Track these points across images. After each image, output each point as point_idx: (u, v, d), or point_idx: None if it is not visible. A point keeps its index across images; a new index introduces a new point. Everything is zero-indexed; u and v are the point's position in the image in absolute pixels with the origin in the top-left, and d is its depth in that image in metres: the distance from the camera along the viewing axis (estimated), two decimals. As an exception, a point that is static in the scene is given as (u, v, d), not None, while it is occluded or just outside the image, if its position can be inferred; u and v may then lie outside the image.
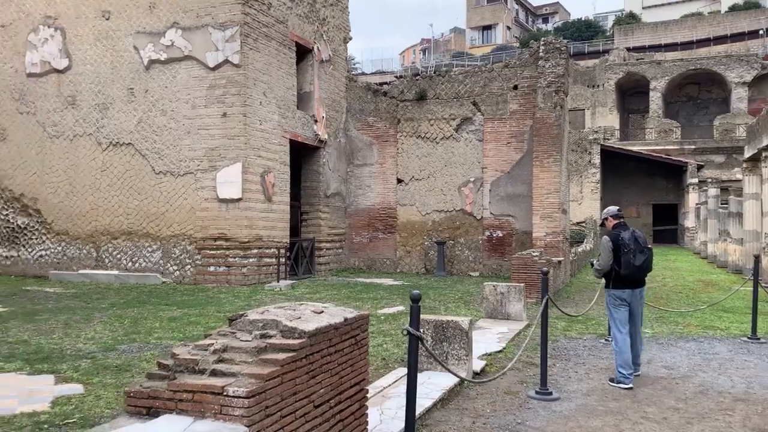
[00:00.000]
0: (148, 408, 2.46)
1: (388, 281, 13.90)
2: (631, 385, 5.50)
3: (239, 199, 12.15)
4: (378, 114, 16.40)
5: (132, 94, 12.96)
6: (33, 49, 13.76)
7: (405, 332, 3.24)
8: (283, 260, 12.77)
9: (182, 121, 12.56)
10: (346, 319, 3.14)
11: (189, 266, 12.49)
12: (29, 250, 13.85)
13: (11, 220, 13.99)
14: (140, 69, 12.90)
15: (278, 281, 12.08)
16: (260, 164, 12.58)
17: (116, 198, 13.07)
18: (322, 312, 3.12)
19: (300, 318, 2.92)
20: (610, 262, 5.71)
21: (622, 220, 5.95)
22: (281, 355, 2.60)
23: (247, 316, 2.92)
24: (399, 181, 16.20)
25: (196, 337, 6.78)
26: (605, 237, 5.83)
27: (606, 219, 6.00)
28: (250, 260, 12.29)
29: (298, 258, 14.38)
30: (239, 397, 2.34)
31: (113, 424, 2.40)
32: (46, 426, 3.90)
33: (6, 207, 14.04)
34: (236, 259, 12.18)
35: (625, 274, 5.65)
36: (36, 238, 13.78)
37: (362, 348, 3.31)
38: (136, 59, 12.93)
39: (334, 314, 3.15)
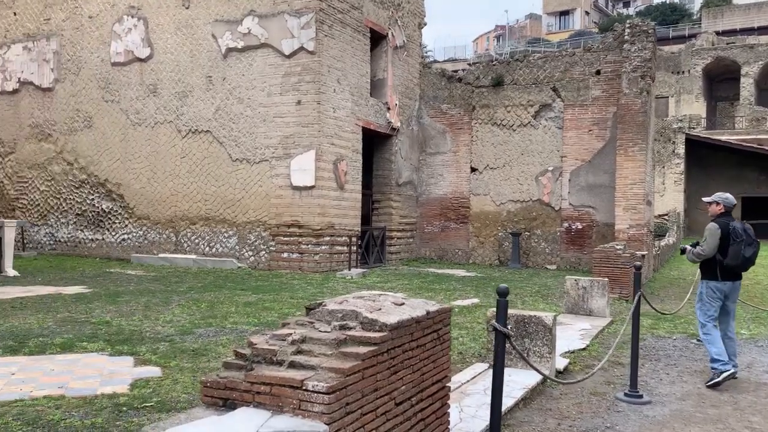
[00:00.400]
0: (224, 399, 2.34)
1: (461, 272, 13.63)
2: (733, 370, 5.13)
3: (312, 187, 12.16)
4: (452, 101, 16.07)
5: (210, 82, 13.18)
6: (117, 39, 14.22)
7: (491, 328, 3.01)
8: (355, 248, 12.72)
9: (258, 109, 12.67)
10: (428, 313, 2.94)
11: (263, 252, 12.63)
12: (113, 233, 14.40)
13: (96, 205, 14.57)
14: (218, 57, 13.09)
15: (350, 269, 12.04)
16: (333, 152, 12.54)
17: (194, 184, 13.36)
18: (403, 304, 2.94)
19: (380, 310, 2.74)
20: (715, 250, 5.32)
21: (730, 210, 5.53)
22: (362, 349, 2.43)
23: (325, 305, 2.77)
24: (473, 169, 15.84)
25: (271, 324, 6.77)
26: (713, 224, 5.42)
27: (715, 204, 5.54)
28: (322, 248, 12.30)
29: (369, 246, 14.31)
30: (319, 392, 2.18)
31: (189, 415, 2.31)
32: (124, 409, 3.91)
33: (92, 192, 14.63)
34: (309, 246, 12.22)
35: (731, 264, 5.28)
36: (119, 222, 14.30)
37: (444, 343, 3.10)
38: (214, 47, 13.13)
39: (416, 307, 2.96)
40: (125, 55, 14.13)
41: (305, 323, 2.67)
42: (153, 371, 4.85)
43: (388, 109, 14.70)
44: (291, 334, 2.52)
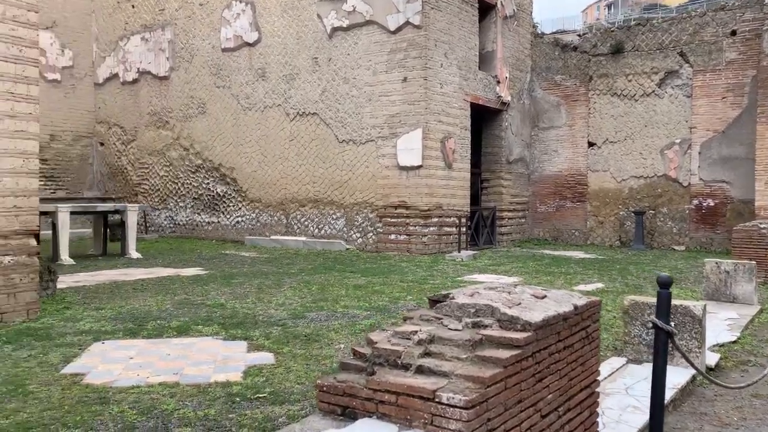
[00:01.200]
0: (343, 407, 2.03)
1: (579, 254, 12.81)
2: None
3: (419, 167, 11.80)
4: (567, 71, 15.09)
5: (316, 64, 13.10)
6: (227, 25, 14.47)
7: (651, 325, 2.50)
8: (464, 230, 12.25)
9: (363, 89, 12.44)
10: (576, 308, 2.48)
11: (371, 234, 12.47)
12: (227, 216, 14.79)
13: (212, 189, 15.01)
14: (323, 38, 12.97)
15: (459, 251, 11.60)
16: (440, 130, 12.09)
17: (303, 167, 13.40)
18: (545, 297, 2.49)
19: (520, 305, 2.32)
20: None
21: None
22: (503, 353, 2.03)
23: (454, 298, 2.38)
24: (590, 144, 14.83)
25: (382, 309, 6.51)
26: None
27: None
28: (431, 229, 11.94)
29: (479, 227, 13.79)
30: (456, 406, 1.81)
31: (304, 425, 2.01)
32: (237, 399, 3.75)
33: (207, 176, 15.08)
34: (416, 227, 11.90)
35: None
36: (233, 206, 14.66)
37: (593, 342, 2.64)
38: (319, 28, 13.02)
39: (560, 300, 2.51)
40: (234, 41, 14.35)
41: (431, 319, 2.30)
42: (266, 357, 4.70)
43: (498, 82, 14.02)
44: (417, 332, 2.16)
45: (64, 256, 10.62)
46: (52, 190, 16.29)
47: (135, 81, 16.27)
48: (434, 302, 2.51)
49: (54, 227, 10.63)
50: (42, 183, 16.04)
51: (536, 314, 2.24)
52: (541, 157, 15.45)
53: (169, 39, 15.53)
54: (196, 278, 8.90)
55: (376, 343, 2.16)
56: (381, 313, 6.30)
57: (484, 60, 13.94)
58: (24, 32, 5.79)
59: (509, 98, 14.40)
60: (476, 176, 14.77)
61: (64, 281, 8.57)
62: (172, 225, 15.82)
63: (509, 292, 2.49)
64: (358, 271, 9.66)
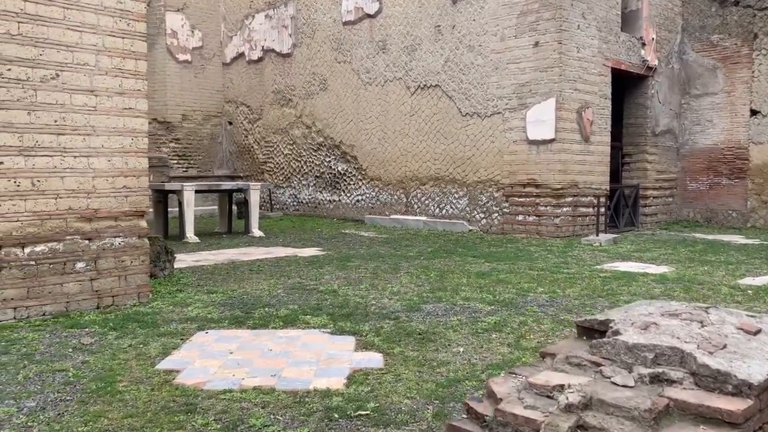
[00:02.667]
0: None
1: (738, 239, 11.16)
2: None
3: (552, 140, 10.72)
4: (725, 29, 13.16)
5: (439, 32, 12.31)
6: (348, -3, 14.04)
7: None
8: (602, 210, 11.03)
9: (490, 56, 11.49)
10: (814, 350, 1.61)
11: (496, 214, 11.60)
12: (348, 194, 14.52)
13: (333, 167, 14.79)
14: (447, 4, 12.13)
15: (597, 234, 10.44)
16: (576, 99, 10.91)
17: (424, 143, 12.74)
18: (760, 332, 1.65)
19: (725, 347, 1.51)
20: None
21: None
22: (710, 435, 1.25)
23: (619, 332, 1.61)
24: (753, 112, 12.87)
25: (509, 303, 5.73)
26: None
27: None
28: (564, 209, 10.86)
29: (619, 208, 12.45)
30: None
31: None
32: (336, 416, 3.19)
33: (328, 154, 14.87)
34: (547, 208, 10.87)
35: None
36: (354, 184, 14.35)
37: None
38: (442, -6, 12.20)
39: (786, 336, 1.65)
40: (355, 13, 13.89)
41: (585, 364, 1.55)
42: (374, 359, 4.14)
43: (643, 45, 12.47)
44: (564, 387, 1.42)
45: (190, 234, 10.77)
46: (184, 168, 16.90)
47: (260, 59, 16.37)
48: (586, 330, 1.75)
49: (180, 205, 10.80)
50: (175, 161, 16.68)
51: (755, 366, 1.42)
52: (692, 128, 13.68)
53: (292, 15, 15.40)
54: (312, 260, 8.59)
55: (501, 400, 1.45)
56: (507, 309, 5.54)
57: (628, 20, 12.44)
58: (131, 4, 5.56)
59: (656, 62, 12.79)
60: (617, 150, 13.35)
61: (184, 260, 8.59)
62: (295, 203, 15.84)
63: (701, 322, 1.68)
64: (481, 255, 8.90)
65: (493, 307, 5.63)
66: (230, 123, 17.50)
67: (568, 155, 10.81)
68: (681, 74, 13.70)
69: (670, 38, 13.34)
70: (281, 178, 16.16)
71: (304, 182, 15.56)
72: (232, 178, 17.29)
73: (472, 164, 11.91)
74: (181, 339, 4.64)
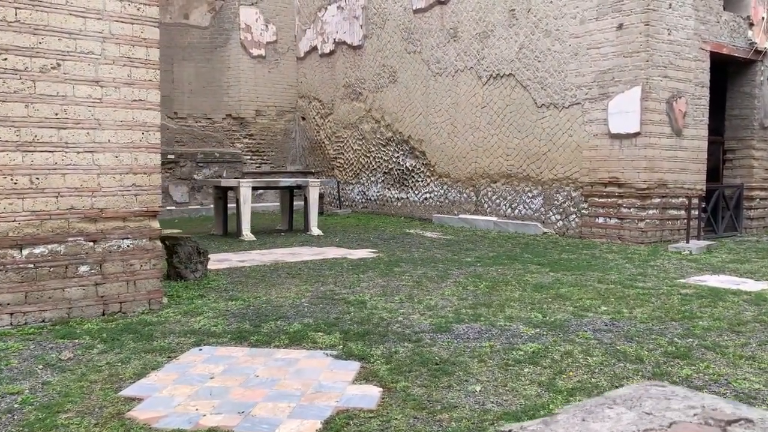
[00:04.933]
0: None
1: None
2: None
3: (636, 134, 9.52)
4: None
5: (513, 17, 11.33)
6: (418, -16, 13.30)
7: None
8: (696, 213, 9.69)
9: (568, 41, 10.40)
10: None
11: (574, 216, 10.51)
12: (416, 192, 13.82)
13: (401, 163, 14.14)
14: (522, -14, 11.14)
15: (687, 240, 9.16)
16: (666, 87, 9.63)
17: (495, 137, 11.81)
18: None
19: None
20: None
21: None
22: None
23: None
24: None
25: (558, 325, 4.85)
26: None
27: None
28: (650, 212, 9.63)
29: (718, 210, 10.99)
30: None
31: None
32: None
33: (397, 150, 14.23)
34: (631, 210, 9.68)
35: None
36: (421, 181, 13.63)
37: None
38: (517, -25, 11.21)
39: None
40: (426, 0, 13.12)
41: None
42: (369, 396, 3.45)
43: (751, 25, 10.91)
44: None
45: (246, 232, 10.48)
46: (257, 164, 16.81)
47: (332, 53, 15.96)
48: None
49: (237, 202, 10.52)
50: (248, 157, 16.61)
51: None
52: (811, 119, 11.88)
53: (363, 5, 14.84)
54: (359, 263, 7.98)
55: None
56: (554, 333, 4.67)
57: (732, -3, 10.94)
58: (141, -12, 5.14)
59: (766, 45, 11.17)
60: (717, 146, 11.84)
61: (230, 260, 8.24)
62: (364, 200, 15.33)
63: None
64: (548, 263, 7.94)
65: (538, 330, 4.77)
66: (303, 118, 17.24)
67: (655, 151, 9.57)
68: (798, 58, 11.92)
69: (785, 16, 11.61)
70: (350, 174, 15.70)
71: (372, 178, 15.01)
72: (304, 174, 17.04)
73: (548, 160, 10.86)
74: (169, 357, 4.15)
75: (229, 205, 11.53)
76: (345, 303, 5.69)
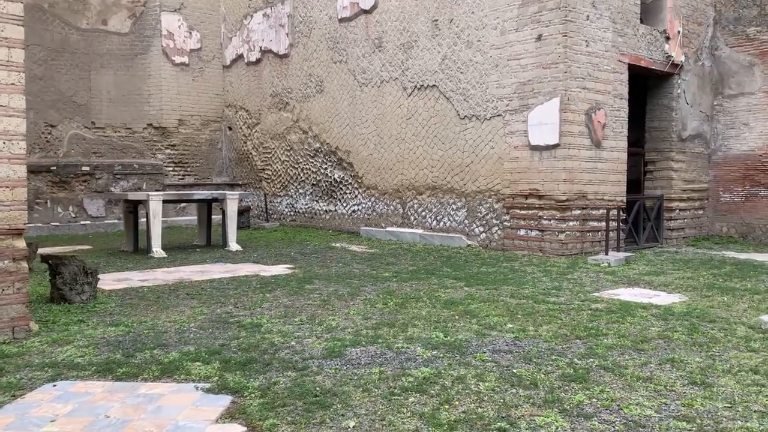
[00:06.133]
0: None
1: (776, 259, 9.68)
2: None
3: (556, 146, 9.47)
4: (764, 21, 11.65)
5: (436, 27, 11.19)
6: (343, -8, 13.05)
7: None
8: (616, 224, 9.69)
9: (489, 53, 10.31)
10: None
11: (496, 228, 10.38)
12: (344, 204, 13.48)
13: (329, 174, 13.79)
14: (444, -4, 11.01)
15: (606, 252, 9.13)
16: (585, 99, 9.63)
17: (421, 149, 11.61)
18: None
19: None
20: None
21: None
22: None
23: None
24: (796, 114, 11.34)
25: (457, 346, 4.57)
26: None
27: None
28: (570, 224, 9.58)
29: (639, 222, 11.07)
30: None
31: None
32: None
33: (325, 161, 13.88)
34: (551, 222, 9.60)
35: None
36: (350, 193, 13.31)
37: None
38: (440, -15, 11.08)
39: None
40: (351, 9, 12.88)
41: None
42: (229, 438, 3.07)
43: (667, 38, 11.09)
44: None
45: (156, 249, 9.90)
46: (180, 176, 16.14)
47: (258, 61, 15.51)
48: None
49: (147, 217, 9.93)
50: (171, 169, 15.93)
51: None
52: (726, 132, 12.18)
53: (288, 13, 14.49)
54: (269, 281, 7.57)
55: None
56: (451, 355, 4.39)
57: (649, 11, 11.09)
58: (1, -17, 4.64)
59: (682, 58, 11.38)
60: (639, 158, 11.99)
61: (130, 280, 7.69)
62: (292, 213, 14.89)
63: None
64: (465, 277, 7.72)
65: (435, 352, 4.48)
66: (230, 128, 16.70)
67: (574, 162, 9.54)
68: (713, 72, 12.23)
69: (699, 32, 11.90)
70: (278, 186, 15.24)
71: (301, 191, 14.60)
72: (231, 186, 16.48)
73: (471, 172, 10.72)
74: (13, 396, 3.65)
75: (141, 220, 10.91)
76: (238, 327, 5.28)
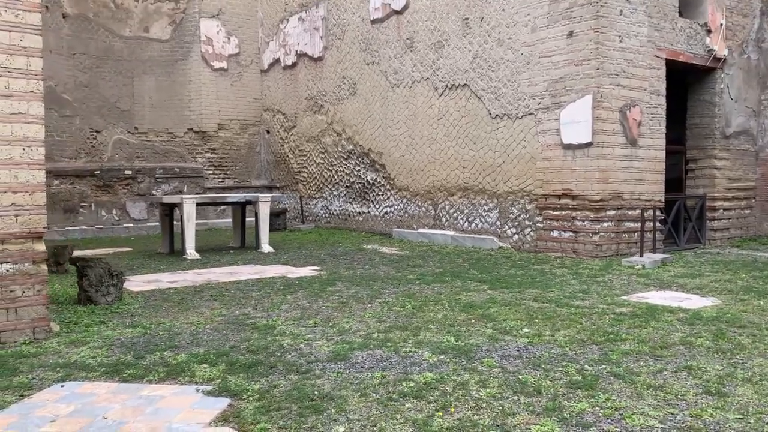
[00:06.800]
0: None
1: (826, 261, 9.18)
2: None
3: (589, 144, 9.21)
4: (814, 10, 11.08)
5: (467, 26, 11.05)
6: (375, -7, 13.04)
7: None
8: (652, 225, 9.35)
9: (520, 50, 10.12)
10: None
11: (529, 229, 10.17)
12: (377, 206, 13.47)
13: (362, 176, 13.79)
14: (475, -6, 10.87)
15: (641, 254, 8.82)
16: (619, 96, 9.34)
17: (452, 149, 11.49)
18: None
19: None
20: None
21: None
22: None
23: None
24: None
25: (466, 351, 4.48)
26: None
27: None
28: (604, 224, 9.31)
29: (679, 222, 10.67)
30: None
31: None
32: None
33: (358, 163, 13.89)
34: (585, 222, 9.35)
35: None
36: (382, 194, 13.29)
37: None
38: (470, -17, 10.94)
39: None
40: (383, 10, 12.86)
41: None
42: (218, 441, 3.08)
43: (709, 32, 10.66)
44: None
45: (190, 251, 10.09)
46: (220, 179, 16.44)
47: (294, 65, 15.66)
48: None
49: (181, 220, 10.13)
50: (211, 172, 16.24)
51: None
52: (774, 127, 11.63)
53: (323, 16, 14.57)
54: (293, 283, 7.60)
55: None
56: (457, 361, 4.30)
57: (688, 3, 10.69)
58: (20, -6, 4.79)
59: (725, 52, 10.92)
60: (680, 156, 11.56)
61: (160, 281, 7.86)
62: (327, 215, 14.96)
63: None
64: (491, 280, 7.58)
65: (442, 356, 4.40)
66: (268, 131, 16.91)
67: (609, 161, 9.26)
68: (759, 65, 11.69)
69: (745, 24, 11.39)
70: (314, 189, 15.35)
71: (335, 192, 14.66)
72: (269, 188, 16.68)
73: (503, 172, 10.54)
74: (21, 395, 3.76)
75: (177, 223, 11.14)
76: (252, 328, 5.31)
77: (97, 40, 14.97)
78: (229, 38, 16.29)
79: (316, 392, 3.73)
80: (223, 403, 3.62)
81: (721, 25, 10.84)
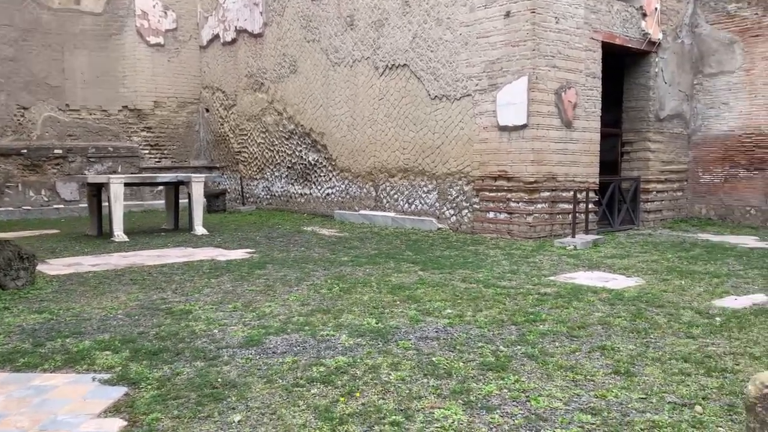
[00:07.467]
0: None
1: (749, 241, 9.47)
2: None
3: (524, 126, 9.22)
4: (744, -3, 11.33)
5: (406, 4, 10.88)
6: (315, -31, 12.72)
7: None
8: (585, 206, 9.46)
9: (459, 30, 10.03)
10: None
11: (466, 211, 10.17)
12: (318, 187, 13.26)
13: (304, 157, 13.55)
14: (415, -28, 10.70)
15: (573, 235, 8.91)
16: (555, 77, 9.36)
17: (392, 130, 11.36)
18: None
19: None
20: None
21: None
22: None
23: None
24: (776, 93, 11.06)
25: (384, 334, 4.38)
26: None
27: None
28: (539, 206, 9.36)
29: (614, 204, 10.85)
30: None
31: None
32: None
33: (300, 143, 13.64)
34: (520, 204, 9.38)
35: None
36: (324, 176, 13.09)
37: None
38: (410, -40, 10.76)
39: None
40: (323, -13, 12.57)
41: None
42: (104, 433, 2.89)
43: (644, 15, 10.78)
44: None
45: (118, 233, 9.71)
46: (157, 159, 15.91)
47: (233, 41, 15.21)
48: None
49: (108, 201, 9.72)
50: (147, 152, 15.70)
51: None
52: (705, 112, 11.90)
53: (262, -9, 14.17)
54: (222, 266, 7.38)
55: None
56: (373, 343, 4.20)
57: (625, -13, 10.78)
58: None
59: (660, 36, 11.08)
60: (616, 139, 11.73)
61: (80, 264, 7.51)
62: (268, 196, 14.67)
63: None
64: (423, 261, 7.53)
65: (359, 339, 4.30)
66: (207, 110, 16.43)
67: (543, 143, 9.29)
68: (692, 50, 11.93)
69: (679, 8, 11.58)
70: (255, 169, 15.02)
71: (276, 173, 14.37)
72: (209, 169, 16.26)
73: (442, 154, 10.49)
74: None
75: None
76: (166, 314, 5.09)
77: (23, 11, 14.19)
78: (165, 12, 15.69)
79: (219, 379, 3.57)
80: (118, 392, 3.42)
81: (656, 9, 10.98)
